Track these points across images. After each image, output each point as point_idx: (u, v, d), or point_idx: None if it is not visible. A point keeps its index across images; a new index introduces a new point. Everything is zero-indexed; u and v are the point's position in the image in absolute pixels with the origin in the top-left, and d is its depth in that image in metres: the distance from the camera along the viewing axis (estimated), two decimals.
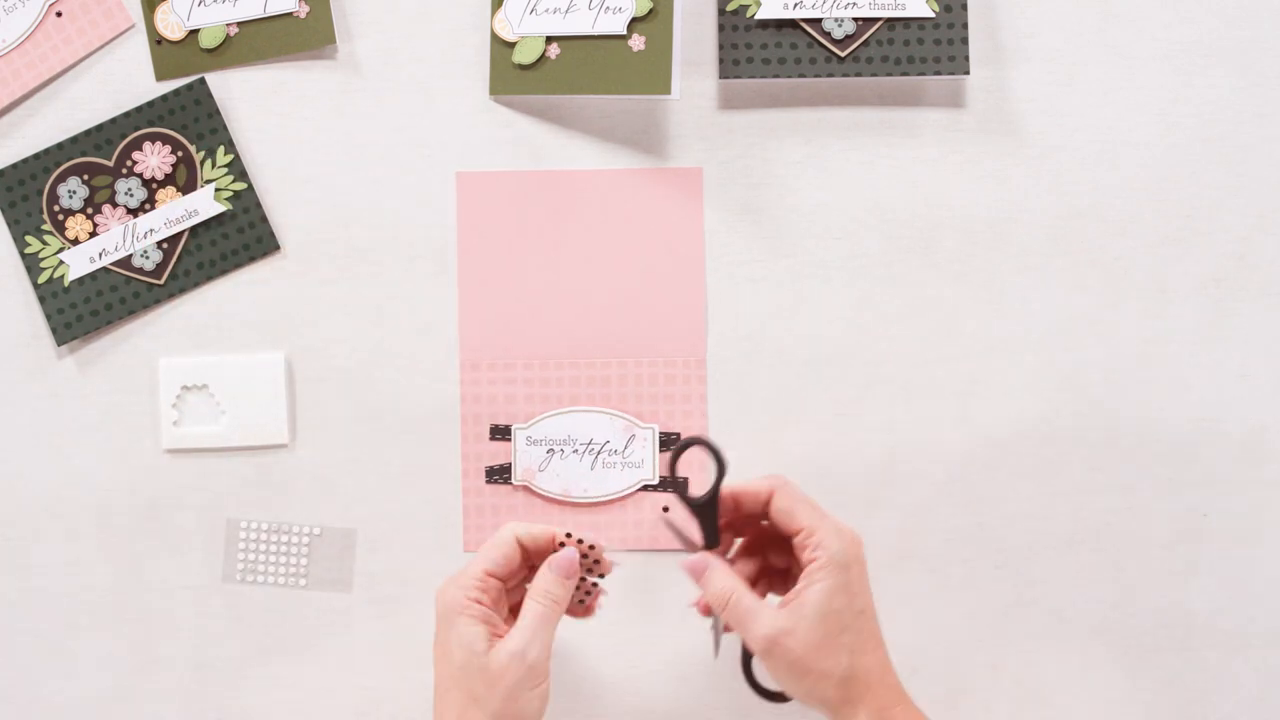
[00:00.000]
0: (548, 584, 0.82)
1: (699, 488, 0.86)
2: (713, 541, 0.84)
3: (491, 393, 0.94)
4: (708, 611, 0.85)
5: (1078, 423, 0.94)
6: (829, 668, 0.79)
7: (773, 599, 0.83)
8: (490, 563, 0.81)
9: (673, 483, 0.89)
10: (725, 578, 0.82)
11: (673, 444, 0.93)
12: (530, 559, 0.83)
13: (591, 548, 0.83)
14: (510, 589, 0.84)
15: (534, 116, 0.94)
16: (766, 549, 0.86)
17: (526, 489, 0.93)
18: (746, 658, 0.86)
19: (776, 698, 0.85)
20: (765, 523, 0.84)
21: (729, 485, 0.83)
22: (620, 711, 0.94)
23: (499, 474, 0.94)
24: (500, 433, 0.94)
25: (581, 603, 0.85)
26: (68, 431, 0.94)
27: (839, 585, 0.79)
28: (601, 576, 0.84)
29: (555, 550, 0.82)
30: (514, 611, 0.83)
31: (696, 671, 0.94)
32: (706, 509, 0.84)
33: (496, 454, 0.94)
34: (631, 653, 0.94)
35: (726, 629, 0.84)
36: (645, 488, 0.93)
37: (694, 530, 0.84)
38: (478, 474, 0.94)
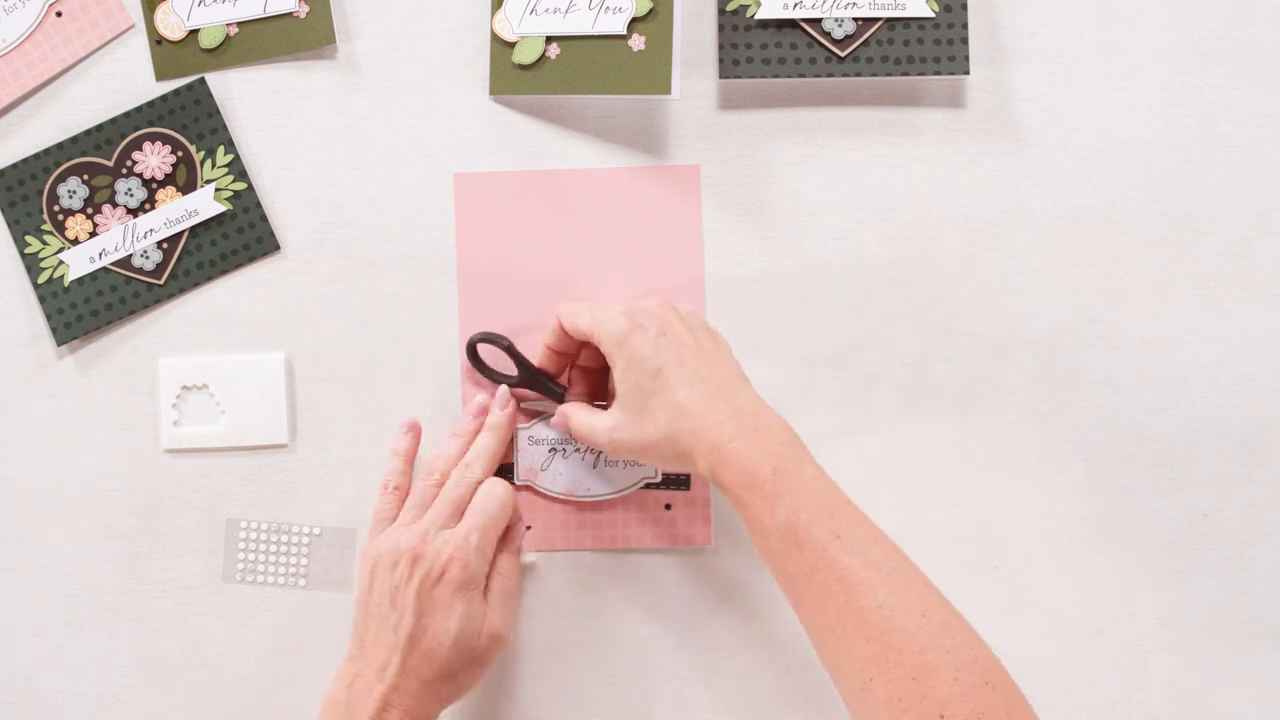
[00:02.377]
0: (510, 565, 0.88)
1: (509, 370, 0.92)
2: (561, 394, 0.91)
3: (493, 392, 0.93)
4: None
5: (1078, 423, 0.94)
6: (651, 436, 0.83)
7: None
8: (493, 542, 0.87)
9: (488, 374, 0.92)
10: (575, 413, 0.88)
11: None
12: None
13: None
14: None
15: (534, 116, 0.94)
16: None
17: (530, 489, 0.93)
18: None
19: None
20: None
21: (536, 344, 0.90)
22: (620, 711, 0.94)
23: (502, 474, 0.93)
24: None
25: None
26: (68, 431, 0.94)
27: (625, 361, 0.83)
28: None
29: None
30: None
31: (697, 671, 0.94)
32: (533, 379, 0.91)
33: None
34: (631, 652, 0.94)
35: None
36: (648, 485, 0.93)
37: (544, 400, 0.92)
38: None
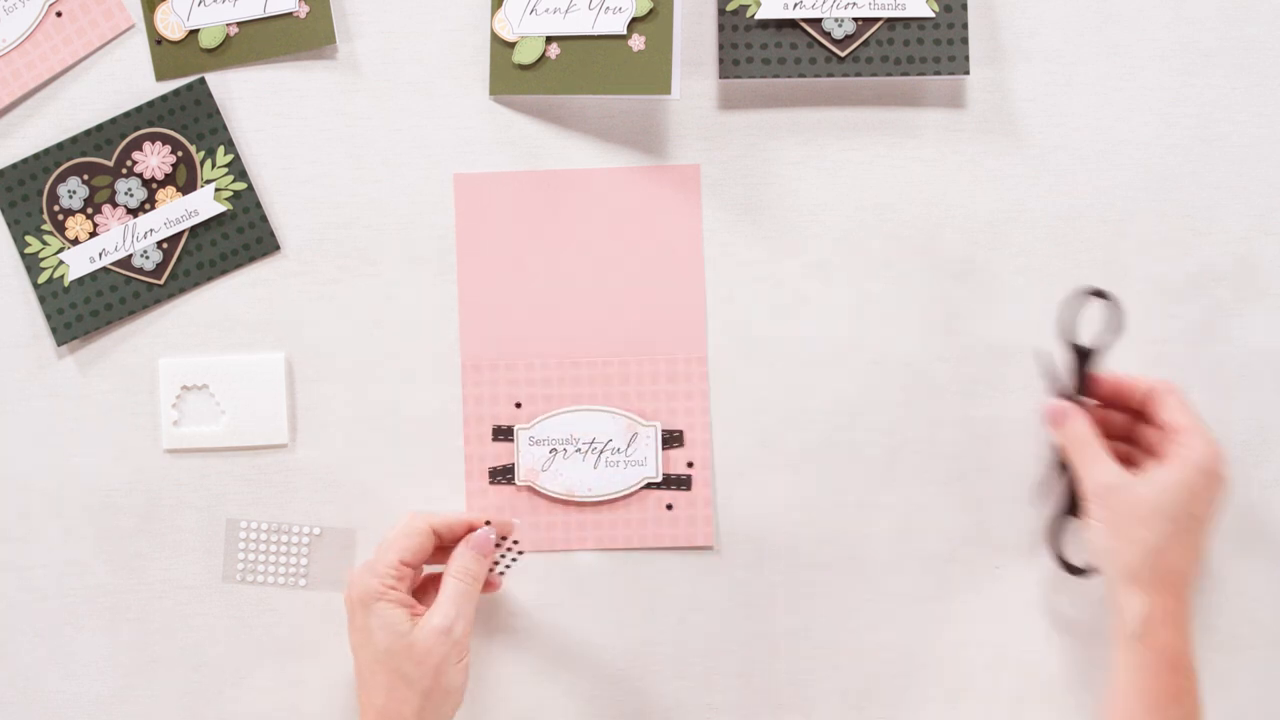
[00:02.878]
0: (467, 562, 0.87)
1: (1090, 339, 0.90)
2: (1081, 391, 0.89)
3: (494, 393, 0.94)
4: (1059, 422, 0.89)
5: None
6: (1141, 536, 0.83)
7: None
8: (405, 552, 0.86)
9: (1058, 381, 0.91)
10: (1085, 425, 0.88)
11: (675, 441, 0.93)
12: (442, 544, 0.88)
13: (504, 539, 0.89)
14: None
15: (534, 116, 0.94)
16: (1114, 435, 0.90)
17: (530, 489, 0.93)
18: (1056, 530, 0.92)
19: (1076, 571, 0.91)
20: (1126, 415, 0.90)
21: (1114, 374, 0.89)
22: (620, 711, 0.94)
23: (502, 475, 0.94)
24: (503, 433, 0.94)
25: (492, 570, 0.90)
26: (68, 431, 0.94)
27: (1184, 482, 0.84)
28: (517, 556, 0.90)
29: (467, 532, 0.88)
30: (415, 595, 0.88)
31: (697, 671, 0.94)
32: (1089, 359, 0.89)
33: (500, 455, 0.94)
34: (632, 653, 0.94)
35: (1068, 482, 0.90)
36: (648, 485, 0.93)
37: (1066, 374, 0.90)
38: (481, 475, 0.94)
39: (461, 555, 0.87)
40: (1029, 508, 0.94)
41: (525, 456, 0.93)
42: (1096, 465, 0.86)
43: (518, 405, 0.94)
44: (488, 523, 0.88)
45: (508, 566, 0.90)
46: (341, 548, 0.94)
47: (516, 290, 0.94)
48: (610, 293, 0.93)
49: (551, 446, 0.93)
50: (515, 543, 0.89)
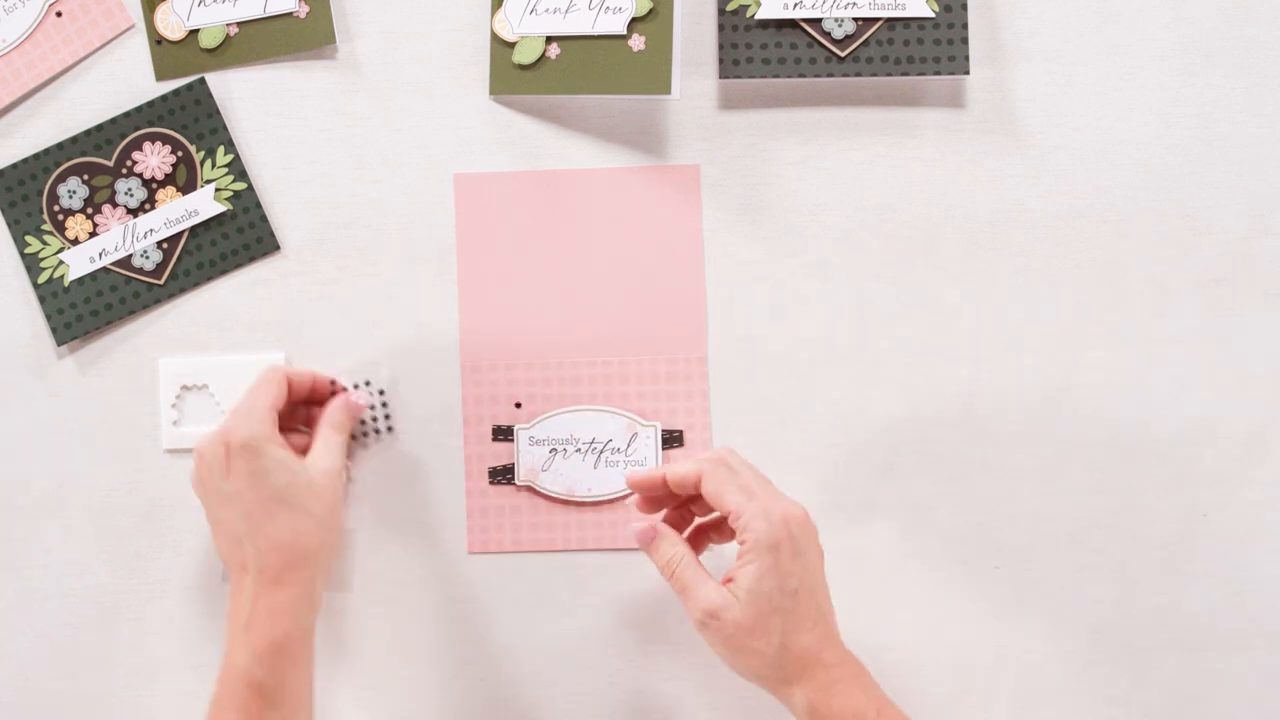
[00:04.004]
0: (341, 416, 0.91)
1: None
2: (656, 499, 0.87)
3: (493, 393, 0.94)
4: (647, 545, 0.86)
5: (1078, 423, 0.94)
6: (760, 647, 0.80)
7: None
8: (274, 398, 0.88)
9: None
10: (672, 546, 0.84)
11: (675, 441, 0.93)
12: (292, 398, 0.91)
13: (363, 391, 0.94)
14: None
15: (534, 116, 0.94)
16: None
17: (530, 489, 0.93)
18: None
19: None
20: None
21: (665, 469, 0.84)
22: (620, 711, 0.94)
23: (502, 475, 0.94)
24: (502, 433, 0.94)
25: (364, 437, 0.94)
26: (68, 431, 0.94)
27: (766, 568, 0.80)
28: (389, 430, 0.94)
29: (324, 390, 0.93)
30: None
31: (696, 671, 0.94)
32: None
33: (499, 454, 0.94)
34: (631, 653, 0.94)
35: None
36: None
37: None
38: (481, 475, 0.94)
39: (338, 409, 0.91)
40: (1029, 508, 0.94)
41: (525, 456, 0.93)
42: (696, 589, 0.81)
43: (518, 405, 0.94)
44: (333, 383, 0.93)
45: (376, 431, 0.93)
46: (340, 547, 0.94)
47: (516, 290, 0.94)
48: (610, 292, 0.93)
49: (551, 446, 0.93)
50: (385, 405, 0.93)
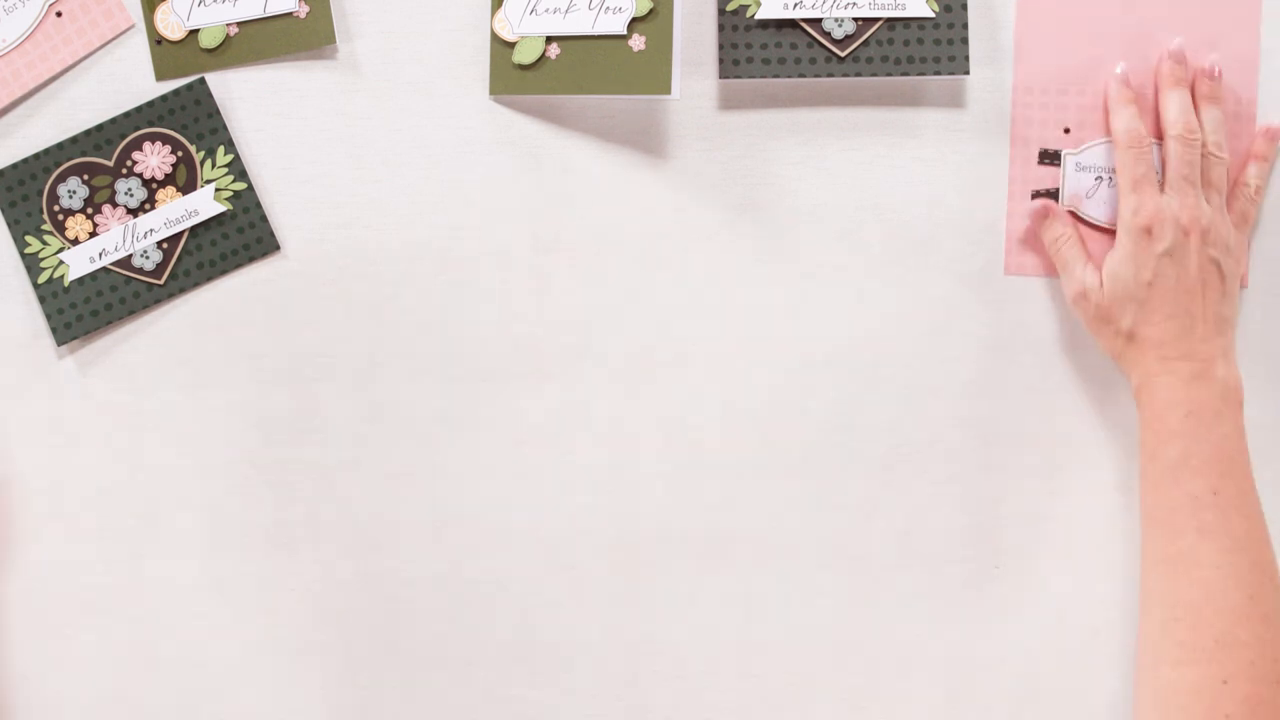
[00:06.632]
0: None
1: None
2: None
3: (1043, 117, 0.93)
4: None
5: (1077, 422, 0.94)
6: (1112, 331, 0.89)
7: None
8: None
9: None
10: (1062, 226, 0.92)
11: None
12: None
13: None
14: None
15: (534, 116, 0.94)
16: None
17: (1073, 215, 0.93)
18: None
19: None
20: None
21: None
22: (620, 711, 0.94)
23: (1046, 198, 0.94)
24: (1049, 157, 0.93)
25: None
26: (68, 432, 0.94)
27: (1126, 255, 0.88)
28: None
29: None
30: None
31: (696, 671, 0.94)
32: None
33: (1043, 179, 0.93)
34: (631, 653, 0.94)
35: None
36: None
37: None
38: (1023, 197, 0.93)
39: None
40: (1029, 507, 0.94)
41: (1070, 181, 0.93)
42: (1073, 268, 0.91)
43: (1066, 131, 0.93)
44: None
45: None
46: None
47: (1080, 9, 0.93)
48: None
49: (1097, 175, 0.93)
50: None
